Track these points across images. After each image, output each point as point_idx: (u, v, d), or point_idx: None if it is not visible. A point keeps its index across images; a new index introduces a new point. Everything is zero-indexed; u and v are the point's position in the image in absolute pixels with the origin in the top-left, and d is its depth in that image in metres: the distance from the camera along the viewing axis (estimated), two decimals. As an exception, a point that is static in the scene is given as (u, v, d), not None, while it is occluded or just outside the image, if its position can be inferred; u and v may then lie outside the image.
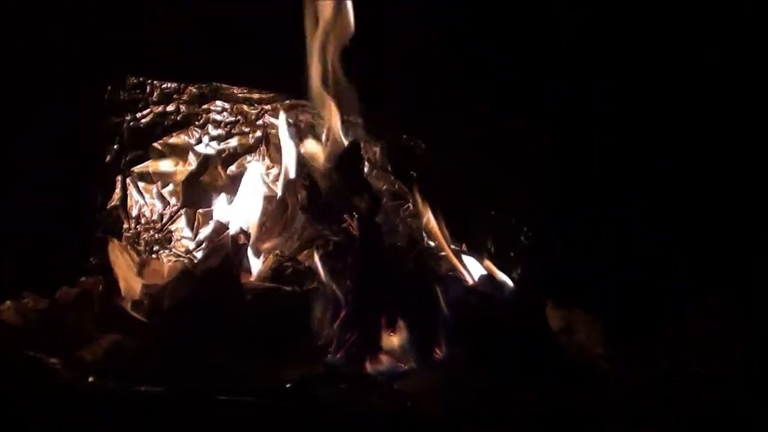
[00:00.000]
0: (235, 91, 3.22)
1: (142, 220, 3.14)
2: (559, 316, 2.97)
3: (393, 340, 2.64)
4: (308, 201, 2.81)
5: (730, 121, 3.20)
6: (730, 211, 3.15)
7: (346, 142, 2.97)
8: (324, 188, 2.85)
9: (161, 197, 3.16)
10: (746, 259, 3.05)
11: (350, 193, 2.81)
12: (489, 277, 2.92)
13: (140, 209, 3.15)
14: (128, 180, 3.14)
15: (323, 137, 3.06)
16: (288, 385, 2.30)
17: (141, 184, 3.16)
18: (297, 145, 3.06)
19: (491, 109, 3.23)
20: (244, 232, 2.77)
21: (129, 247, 2.94)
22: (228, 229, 2.83)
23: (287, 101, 3.23)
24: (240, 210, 3.01)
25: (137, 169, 3.17)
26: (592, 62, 3.28)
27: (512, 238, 3.27)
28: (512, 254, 3.26)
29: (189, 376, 2.32)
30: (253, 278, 2.76)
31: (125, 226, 3.11)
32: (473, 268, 2.96)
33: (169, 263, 2.95)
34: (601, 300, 3.00)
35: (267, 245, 2.88)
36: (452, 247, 3.00)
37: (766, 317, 2.76)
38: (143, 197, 3.15)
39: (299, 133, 3.16)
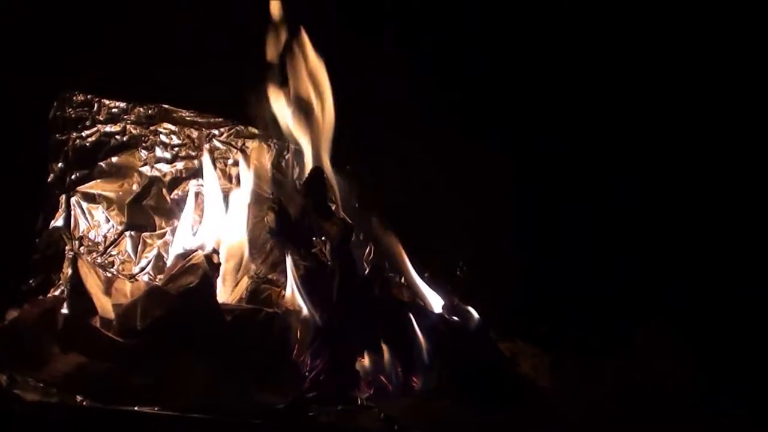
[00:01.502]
0: (183, 114, 3.17)
1: (86, 242, 3.03)
2: (504, 348, 3.05)
3: (368, 364, 2.67)
4: (277, 224, 2.79)
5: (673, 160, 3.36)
6: (672, 235, 3.30)
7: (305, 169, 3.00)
8: (292, 213, 2.85)
9: (105, 219, 3.06)
10: (689, 280, 3.21)
11: (320, 217, 2.82)
12: (453, 306, 2.97)
13: (84, 230, 3.03)
14: (73, 200, 3.03)
15: (268, 163, 3.08)
16: (281, 406, 2.30)
17: (85, 205, 3.05)
18: (247, 171, 3.06)
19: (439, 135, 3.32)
20: (217, 253, 2.73)
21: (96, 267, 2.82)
22: (197, 249, 2.76)
23: (235, 127, 3.20)
24: (201, 233, 2.95)
25: (82, 188, 3.05)
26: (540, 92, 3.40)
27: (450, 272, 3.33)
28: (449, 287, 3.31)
29: (165, 396, 2.28)
30: (228, 300, 2.72)
31: (67, 247, 2.98)
32: (434, 297, 3.01)
33: (132, 282, 2.85)
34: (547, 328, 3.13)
35: (233, 268, 2.84)
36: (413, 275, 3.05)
37: (709, 339, 2.95)
38: (87, 218, 3.04)
39: (247, 160, 3.15)
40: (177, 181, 3.17)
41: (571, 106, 3.39)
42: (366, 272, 3.00)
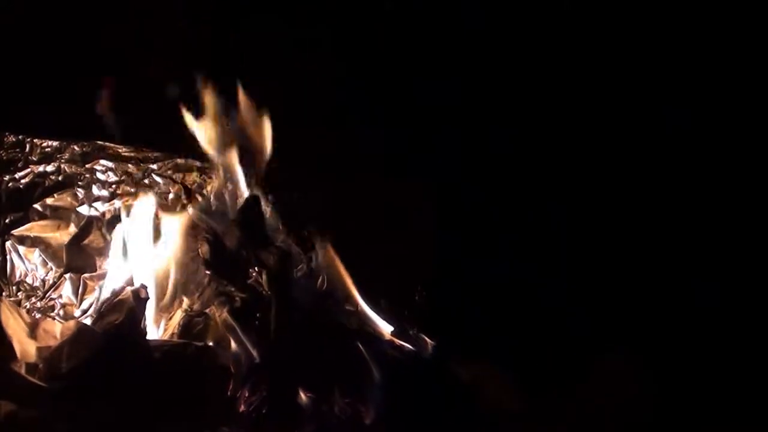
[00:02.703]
0: (120, 150, 3.09)
1: (24, 287, 2.94)
2: (465, 371, 2.95)
3: (310, 398, 2.57)
4: (211, 256, 2.70)
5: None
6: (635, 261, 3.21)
7: (241, 198, 2.92)
8: (227, 243, 2.76)
9: (43, 262, 2.98)
10: (650, 308, 3.12)
11: (256, 247, 2.74)
12: (403, 332, 2.87)
13: (21, 275, 2.95)
14: (7, 244, 2.95)
15: (212, 196, 3.00)
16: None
17: (21, 249, 2.97)
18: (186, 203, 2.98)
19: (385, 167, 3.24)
20: (145, 287, 2.63)
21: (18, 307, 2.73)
22: (126, 285, 2.67)
23: (174, 160, 3.12)
24: (132, 269, 2.85)
25: (17, 232, 2.97)
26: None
27: (408, 297, 3.24)
28: (406, 312, 3.22)
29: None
30: (160, 336, 2.63)
31: (5, 293, 2.90)
32: (384, 324, 2.91)
33: (63, 323, 2.75)
34: (507, 353, 2.99)
35: (166, 303, 2.75)
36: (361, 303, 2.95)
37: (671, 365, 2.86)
38: (24, 262, 2.96)
39: (188, 193, 3.06)
40: (116, 219, 3.06)
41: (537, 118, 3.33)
42: (310, 301, 2.87)
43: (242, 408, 2.49)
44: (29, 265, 2.97)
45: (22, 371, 2.41)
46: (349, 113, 3.23)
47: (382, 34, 3.31)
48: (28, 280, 2.95)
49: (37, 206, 3.01)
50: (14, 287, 2.93)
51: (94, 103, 3.01)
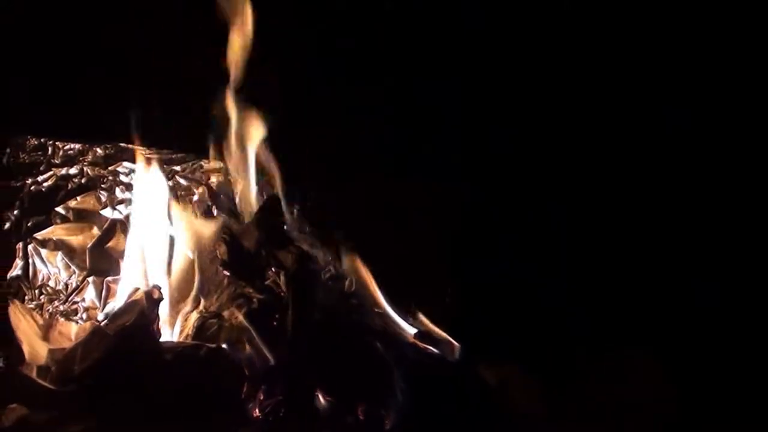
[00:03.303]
0: (142, 152, 3.05)
1: (46, 290, 2.92)
2: (492, 373, 2.86)
3: (327, 403, 2.50)
4: (229, 256, 2.65)
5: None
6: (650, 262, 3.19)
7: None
8: (245, 244, 2.71)
9: (66, 266, 2.95)
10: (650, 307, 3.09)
11: (274, 247, 2.68)
12: (427, 334, 2.80)
13: (44, 279, 2.93)
14: (30, 248, 2.93)
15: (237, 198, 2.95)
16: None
17: (44, 252, 2.94)
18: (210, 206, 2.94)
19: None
20: (158, 288, 2.58)
21: (32, 310, 2.70)
22: (140, 287, 2.63)
23: (198, 161, 3.08)
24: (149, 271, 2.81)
25: (39, 235, 2.95)
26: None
27: (437, 299, 3.18)
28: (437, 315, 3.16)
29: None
30: (175, 337, 2.58)
31: (27, 297, 2.88)
32: (408, 326, 2.84)
33: (78, 325, 2.72)
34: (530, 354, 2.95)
35: (186, 305, 2.70)
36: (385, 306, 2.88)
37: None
38: (46, 266, 2.93)
39: (211, 194, 3.02)
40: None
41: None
42: (333, 303, 2.81)
43: (257, 412, 2.42)
44: (52, 268, 2.94)
45: (33, 374, 2.38)
46: (348, 113, 3.21)
47: (382, 34, 3.28)
48: (51, 283, 2.93)
49: (59, 209, 2.98)
50: (37, 291, 2.90)
51: (116, 105, 2.98)
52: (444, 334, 2.84)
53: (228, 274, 2.67)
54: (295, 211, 3.05)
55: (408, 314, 2.88)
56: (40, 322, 2.62)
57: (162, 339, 2.56)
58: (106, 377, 2.35)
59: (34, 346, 2.48)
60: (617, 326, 3.06)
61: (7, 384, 2.34)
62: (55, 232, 2.97)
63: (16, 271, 2.90)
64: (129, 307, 2.53)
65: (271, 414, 2.43)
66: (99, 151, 3.03)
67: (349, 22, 3.26)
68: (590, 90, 3.28)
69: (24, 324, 2.52)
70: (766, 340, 2.97)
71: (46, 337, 2.58)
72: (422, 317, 2.89)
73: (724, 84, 3.22)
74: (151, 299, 2.51)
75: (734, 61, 3.24)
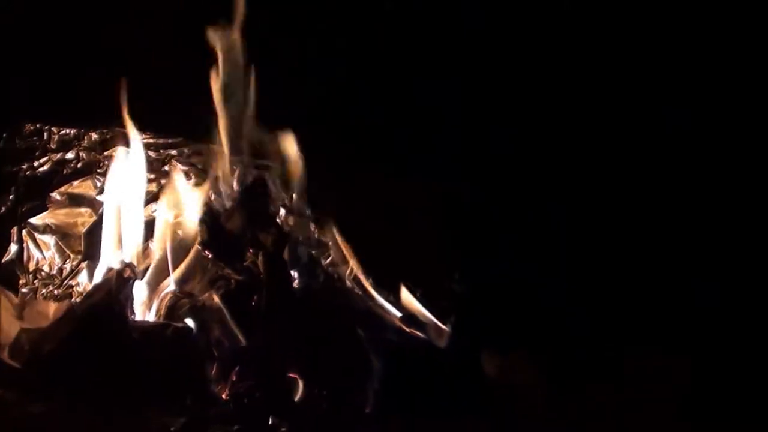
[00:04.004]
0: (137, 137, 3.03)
1: (40, 275, 2.91)
2: (494, 363, 2.79)
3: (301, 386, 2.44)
4: (208, 237, 2.60)
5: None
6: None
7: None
8: (227, 225, 2.66)
9: (60, 250, 2.94)
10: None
11: (255, 228, 2.62)
12: (413, 317, 2.72)
13: (38, 263, 2.92)
14: (24, 232, 2.92)
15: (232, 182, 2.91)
16: (172, 429, 2.10)
17: (38, 237, 2.94)
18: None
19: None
20: (131, 267, 2.55)
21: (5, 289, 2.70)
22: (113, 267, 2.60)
23: (195, 146, 3.05)
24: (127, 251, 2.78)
25: (34, 220, 2.95)
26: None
27: (443, 287, 3.09)
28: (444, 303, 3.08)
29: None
30: (147, 317, 2.54)
31: (22, 281, 2.88)
32: (393, 311, 2.77)
33: (57, 303, 2.71)
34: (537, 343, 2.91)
35: (168, 286, 2.66)
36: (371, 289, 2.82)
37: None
38: (41, 251, 2.93)
39: (206, 178, 2.98)
40: (136, 206, 3.01)
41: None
42: (314, 284, 2.75)
43: (226, 394, 2.37)
44: (47, 253, 2.93)
45: (4, 354, 2.37)
46: (348, 113, 3.19)
47: (382, 34, 3.24)
48: (45, 268, 2.92)
49: (54, 194, 2.98)
50: (31, 276, 2.90)
51: (111, 90, 2.96)
52: (432, 318, 2.75)
53: (207, 254, 2.62)
54: (294, 195, 3.01)
55: (395, 298, 2.80)
56: (15, 301, 2.61)
57: (137, 319, 2.53)
58: (71, 356, 2.31)
59: (4, 325, 2.46)
60: (617, 326, 3.00)
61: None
62: (50, 216, 2.96)
63: (9, 256, 2.89)
64: (99, 286, 2.50)
65: (243, 396, 2.37)
66: (95, 135, 3.02)
67: (349, 22, 3.22)
68: (590, 90, 3.24)
69: (-3, 303, 2.51)
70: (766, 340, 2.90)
71: (20, 316, 2.56)
72: (410, 301, 2.80)
73: (724, 84, 3.19)
74: (121, 278, 2.47)
75: (734, 61, 3.20)
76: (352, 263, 2.93)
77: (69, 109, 3.03)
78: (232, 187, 2.84)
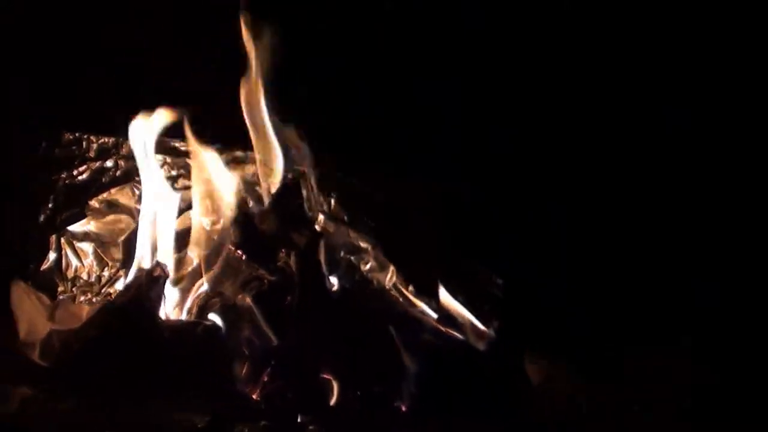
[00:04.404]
0: (177, 145, 3.03)
1: (78, 282, 2.91)
2: (538, 369, 2.73)
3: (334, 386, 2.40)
4: (241, 238, 2.58)
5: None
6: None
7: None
8: (261, 227, 2.64)
9: (99, 258, 2.94)
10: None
11: (288, 228, 2.60)
12: (451, 318, 2.66)
13: (76, 271, 2.92)
14: (63, 240, 2.93)
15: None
16: (199, 426, 2.06)
17: (77, 244, 2.94)
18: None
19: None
20: (162, 266, 2.53)
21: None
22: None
23: (233, 153, 3.03)
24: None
25: (73, 228, 2.95)
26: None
27: (485, 292, 3.04)
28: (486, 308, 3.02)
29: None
30: (179, 317, 2.53)
31: (60, 289, 2.88)
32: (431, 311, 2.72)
33: (90, 305, 2.70)
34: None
35: (200, 287, 2.64)
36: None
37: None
38: (79, 258, 2.93)
39: (245, 185, 2.96)
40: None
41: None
42: (351, 285, 2.71)
43: (256, 394, 2.34)
44: (85, 261, 2.93)
45: (29, 352, 2.36)
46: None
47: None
48: (83, 275, 2.92)
49: (93, 202, 2.98)
50: (69, 283, 2.90)
51: (150, 99, 2.97)
52: (473, 320, 2.69)
53: (241, 255, 2.59)
54: (332, 200, 2.98)
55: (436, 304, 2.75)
56: (47, 302, 2.61)
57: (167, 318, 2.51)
58: (101, 354, 2.30)
59: (34, 325, 2.46)
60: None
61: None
62: (88, 224, 2.97)
63: (48, 263, 2.90)
64: (130, 285, 2.50)
65: (274, 396, 2.33)
66: (133, 143, 3.02)
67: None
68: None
69: (27, 303, 2.51)
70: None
71: (51, 317, 2.56)
72: (451, 304, 2.74)
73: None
74: (151, 277, 2.45)
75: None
76: (392, 270, 2.88)
77: (107, 116, 3.01)
78: (268, 191, 2.81)
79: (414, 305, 2.72)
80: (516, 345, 2.80)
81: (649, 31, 3.16)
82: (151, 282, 2.45)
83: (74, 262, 2.93)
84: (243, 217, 2.63)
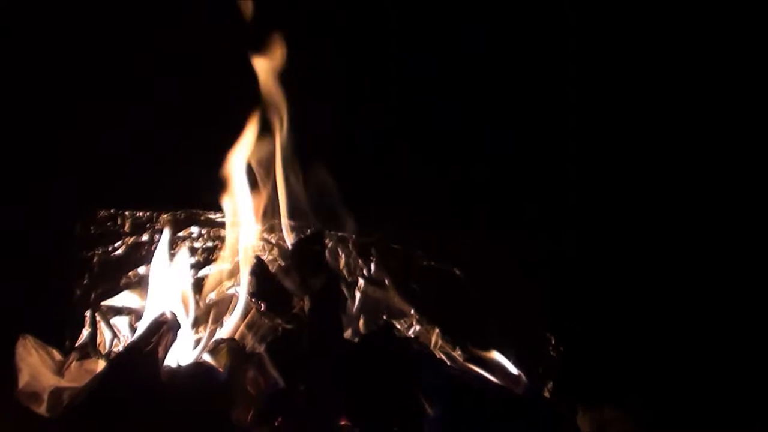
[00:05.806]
0: (211, 216, 3.01)
1: (113, 356, 2.86)
2: (591, 418, 2.59)
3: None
4: (256, 288, 2.50)
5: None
6: None
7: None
8: (279, 276, 2.55)
9: (134, 331, 2.89)
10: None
11: (307, 274, 2.51)
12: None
13: (112, 344, 2.87)
14: (98, 315, 2.90)
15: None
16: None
17: (112, 320, 2.91)
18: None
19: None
20: (172, 314, 2.46)
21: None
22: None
23: (269, 223, 2.99)
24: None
25: (108, 302, 2.93)
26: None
27: (537, 353, 2.87)
28: (541, 370, 2.85)
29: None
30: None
31: (94, 363, 2.84)
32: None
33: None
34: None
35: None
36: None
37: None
38: (114, 332, 2.89)
39: (285, 254, 2.90)
40: (211, 285, 2.95)
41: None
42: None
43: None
44: (120, 334, 2.89)
45: (41, 408, 2.30)
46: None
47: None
48: (117, 350, 2.87)
49: (129, 276, 2.96)
50: (104, 359, 2.84)
51: (184, 171, 2.98)
52: (507, 365, 2.52)
53: (257, 305, 2.51)
54: (373, 265, 2.90)
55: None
56: (57, 357, 2.55)
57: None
58: (99, 402, 2.21)
59: (38, 379, 2.40)
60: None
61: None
62: (123, 298, 2.94)
63: (83, 339, 2.86)
64: (141, 335, 2.42)
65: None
66: (167, 217, 3.01)
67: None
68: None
69: (34, 357, 2.45)
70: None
71: (60, 372, 2.50)
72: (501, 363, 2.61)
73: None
74: (157, 323, 2.38)
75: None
76: (437, 332, 2.76)
77: (140, 191, 3.03)
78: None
79: (465, 368, 2.57)
80: (568, 396, 2.66)
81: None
82: (159, 330, 2.37)
83: (108, 336, 2.88)
84: (259, 267, 2.54)
